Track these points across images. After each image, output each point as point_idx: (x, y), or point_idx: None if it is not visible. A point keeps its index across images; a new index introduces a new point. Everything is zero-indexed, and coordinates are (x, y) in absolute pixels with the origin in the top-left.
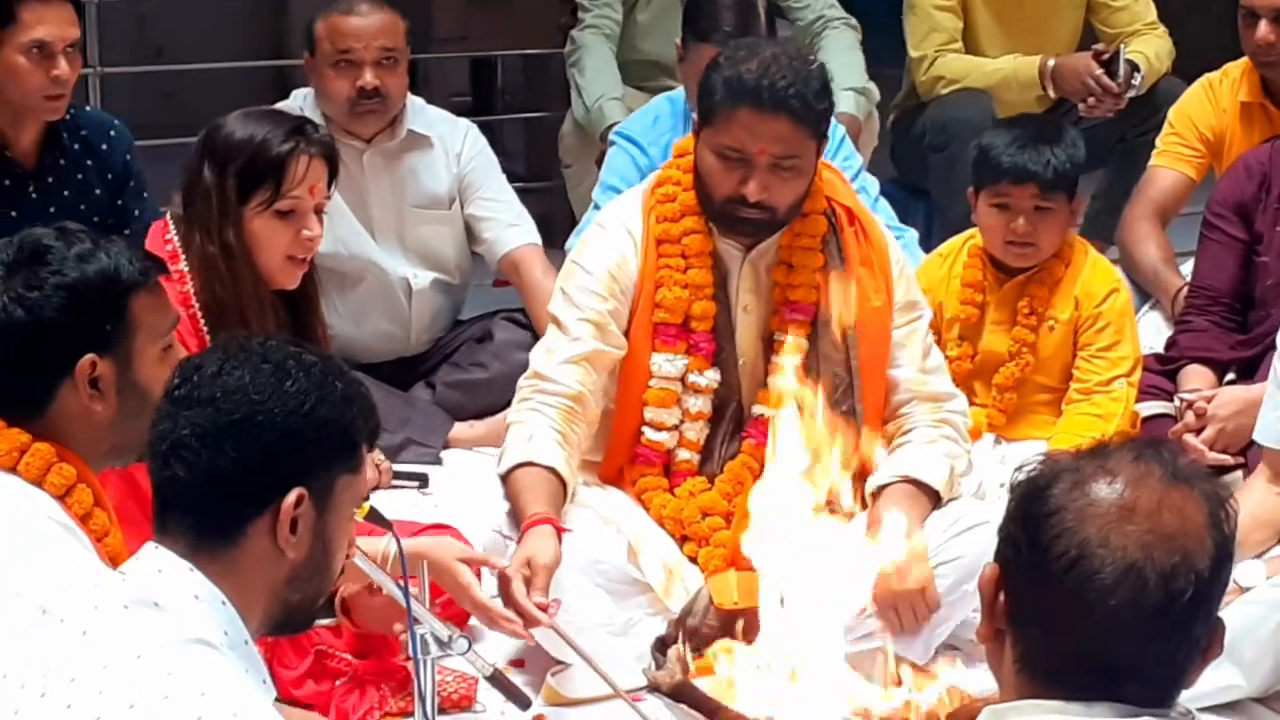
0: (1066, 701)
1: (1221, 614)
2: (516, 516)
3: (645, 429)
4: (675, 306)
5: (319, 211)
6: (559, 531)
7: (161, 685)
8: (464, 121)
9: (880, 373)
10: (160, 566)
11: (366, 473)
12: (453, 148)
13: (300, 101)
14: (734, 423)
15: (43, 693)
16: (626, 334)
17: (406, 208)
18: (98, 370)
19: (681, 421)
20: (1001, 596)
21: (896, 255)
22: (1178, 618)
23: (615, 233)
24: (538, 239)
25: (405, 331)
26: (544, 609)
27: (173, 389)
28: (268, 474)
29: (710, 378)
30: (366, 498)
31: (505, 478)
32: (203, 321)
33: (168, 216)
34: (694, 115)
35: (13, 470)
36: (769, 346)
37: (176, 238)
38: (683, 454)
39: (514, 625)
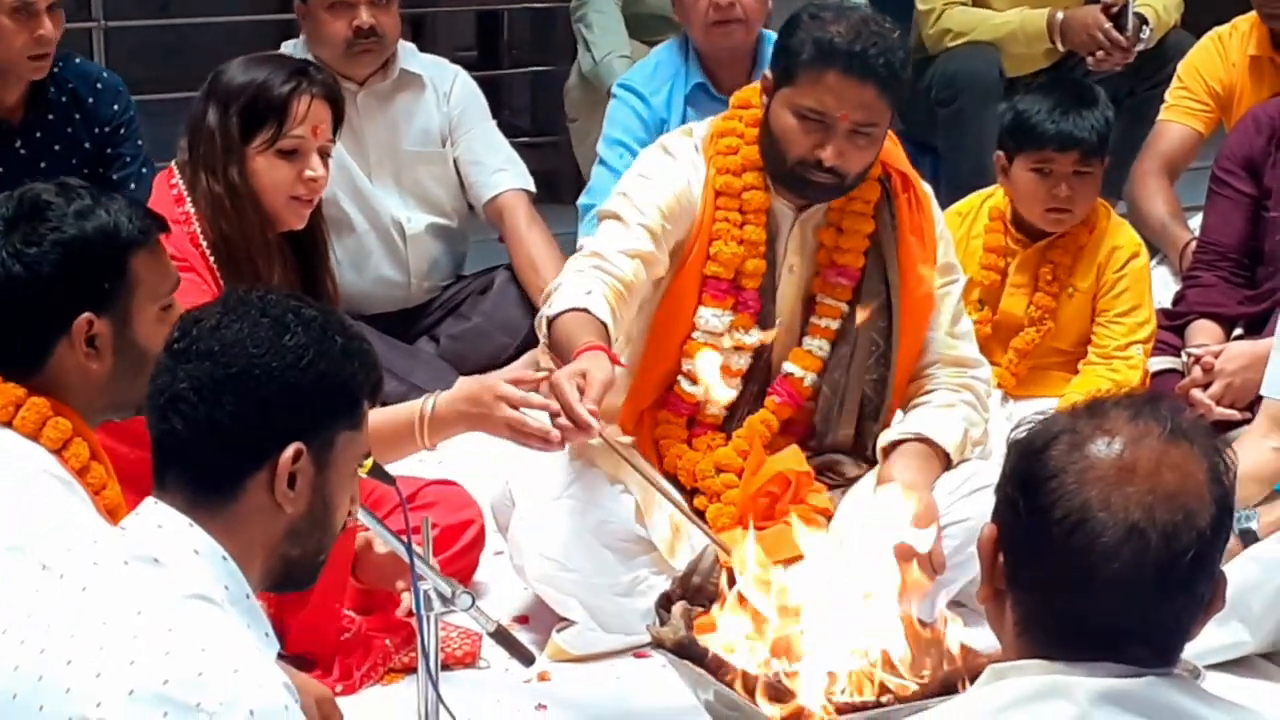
0: (1069, 663)
1: (1226, 570)
2: (567, 348)
3: (681, 379)
4: (729, 262)
5: (323, 154)
6: (614, 360)
7: (162, 641)
8: (454, 66)
9: (918, 341)
10: (160, 522)
11: (367, 429)
12: (442, 88)
13: (291, 50)
14: (761, 381)
15: (42, 649)
16: (673, 278)
17: (401, 149)
18: (95, 329)
19: (718, 374)
20: (1000, 557)
21: (939, 218)
22: (1182, 576)
23: (684, 164)
24: (527, 184)
25: (405, 278)
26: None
27: (172, 342)
28: (265, 428)
29: (756, 336)
30: (369, 453)
31: (555, 319)
32: (210, 253)
33: (173, 164)
34: (766, 72)
35: (9, 424)
36: (808, 308)
37: (182, 181)
38: (712, 409)
39: (541, 437)
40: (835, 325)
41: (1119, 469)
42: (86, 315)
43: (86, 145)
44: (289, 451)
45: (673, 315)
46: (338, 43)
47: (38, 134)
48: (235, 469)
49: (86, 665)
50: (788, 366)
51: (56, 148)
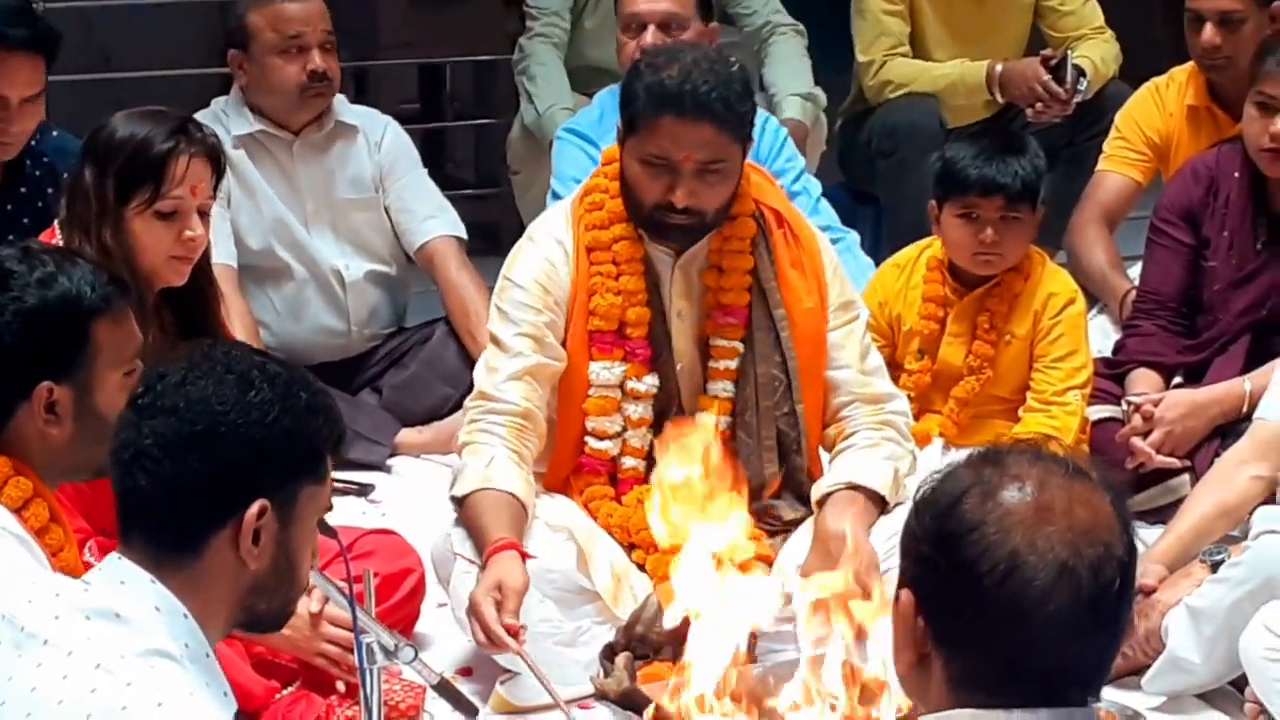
0: (1005, 710)
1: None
2: (478, 540)
3: (588, 438)
4: (609, 314)
5: (202, 212)
6: (523, 556)
7: (120, 695)
8: (385, 117)
9: (818, 373)
10: (123, 578)
11: (330, 483)
12: (373, 137)
13: (219, 109)
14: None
15: (2, 701)
16: (564, 344)
17: (336, 196)
18: (54, 396)
19: (624, 429)
20: (920, 621)
21: (829, 256)
22: (1110, 608)
23: (545, 244)
24: (458, 231)
25: (346, 326)
26: (514, 633)
27: (136, 398)
28: (230, 485)
29: (649, 383)
30: (330, 507)
31: (463, 500)
32: None
33: (55, 223)
34: (618, 124)
35: None
36: (705, 350)
37: (61, 240)
38: (628, 461)
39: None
40: (734, 365)
41: (1037, 510)
42: (46, 384)
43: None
44: (254, 508)
45: (569, 377)
46: (290, 88)
47: (9, 206)
48: (199, 526)
49: (44, 718)
50: (699, 417)
51: (26, 220)
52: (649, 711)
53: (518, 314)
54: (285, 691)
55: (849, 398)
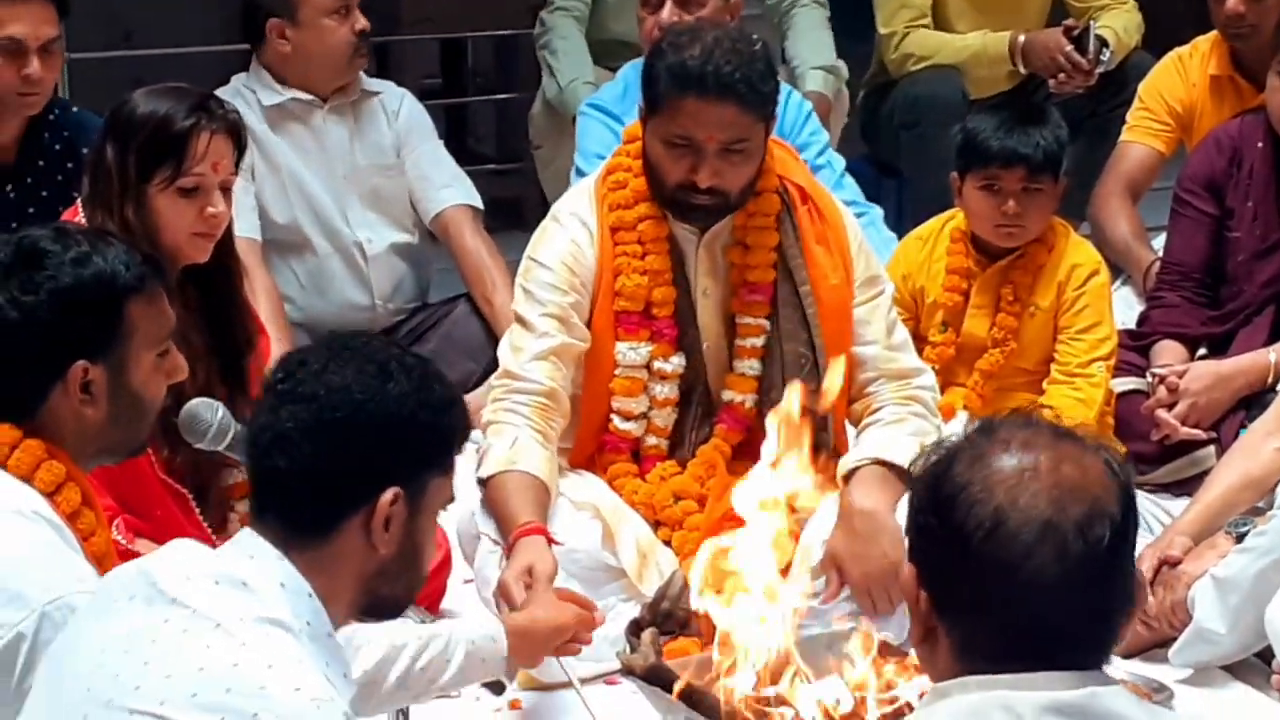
0: (1011, 675)
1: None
2: (503, 522)
3: (613, 417)
4: (635, 294)
5: (225, 188)
6: (550, 541)
7: (233, 654)
8: (401, 89)
9: (844, 349)
10: (252, 552)
11: (453, 476)
12: (391, 106)
13: (241, 84)
14: (702, 406)
15: (126, 649)
16: (589, 324)
17: (359, 164)
18: (90, 375)
19: (649, 409)
20: (924, 595)
21: (854, 231)
22: (1102, 566)
23: (569, 224)
24: (473, 200)
25: (370, 300)
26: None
27: (275, 383)
28: (367, 471)
29: (675, 363)
30: (453, 498)
31: (487, 482)
32: None
33: (78, 201)
34: (640, 103)
35: (2, 465)
36: (731, 328)
37: (84, 218)
38: (651, 440)
39: None
40: (760, 343)
41: (1021, 471)
42: (82, 363)
43: (75, 195)
44: (388, 495)
45: (595, 357)
46: (342, 48)
47: (29, 179)
48: (334, 509)
49: (159, 667)
50: (726, 394)
51: (45, 194)
52: (678, 686)
53: (544, 294)
54: None
55: (875, 373)
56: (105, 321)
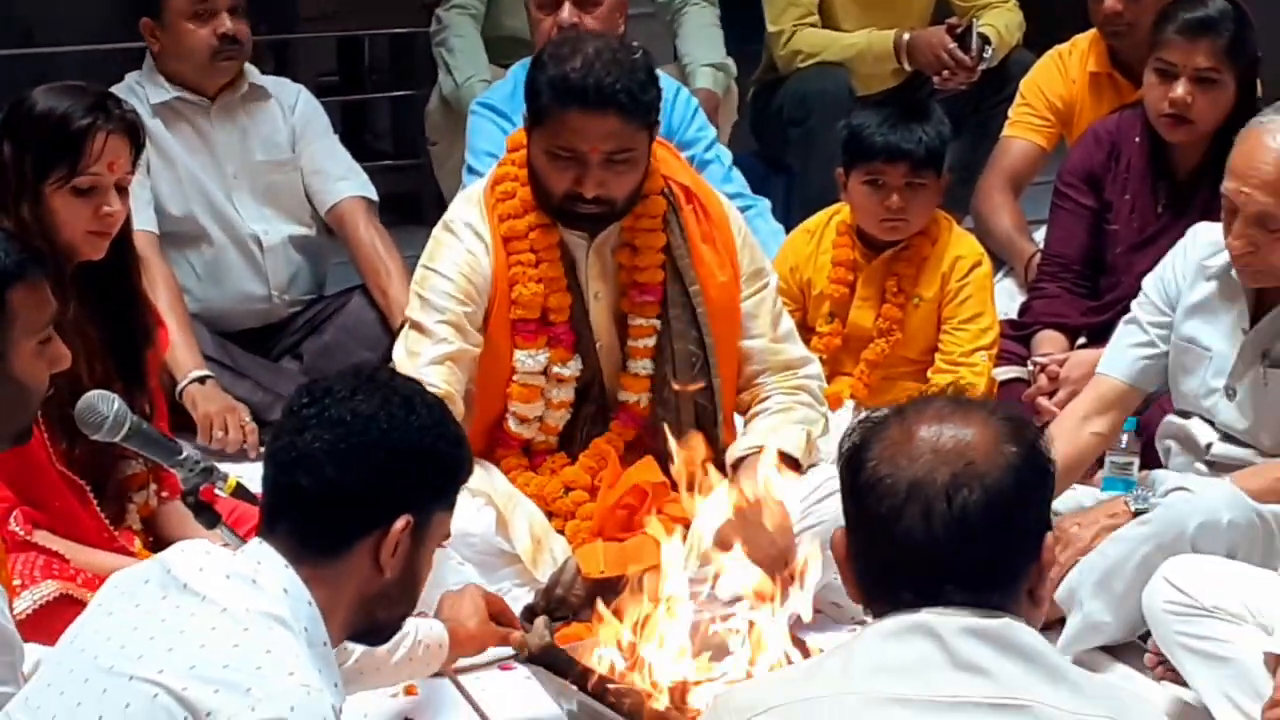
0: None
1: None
2: None
3: (509, 419)
4: (532, 303)
5: (121, 188)
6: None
7: (235, 637)
8: (297, 85)
9: (733, 346)
10: (260, 559)
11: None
12: (286, 101)
13: (133, 81)
14: (597, 404)
15: (135, 626)
16: (485, 331)
17: (254, 159)
18: None
19: (544, 411)
20: (849, 552)
21: (738, 226)
22: (978, 524)
23: (464, 235)
24: (367, 192)
25: (266, 290)
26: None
27: (301, 406)
28: (384, 497)
29: (573, 367)
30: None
31: None
32: None
33: None
34: (525, 119)
35: None
36: (623, 328)
37: None
38: (541, 437)
39: None
40: (651, 343)
41: (904, 437)
42: None
43: None
44: (401, 522)
45: (492, 362)
46: (203, 51)
47: None
48: (348, 530)
49: (163, 642)
50: (622, 395)
51: None
52: (590, 681)
53: (441, 302)
54: None
55: (762, 365)
56: None
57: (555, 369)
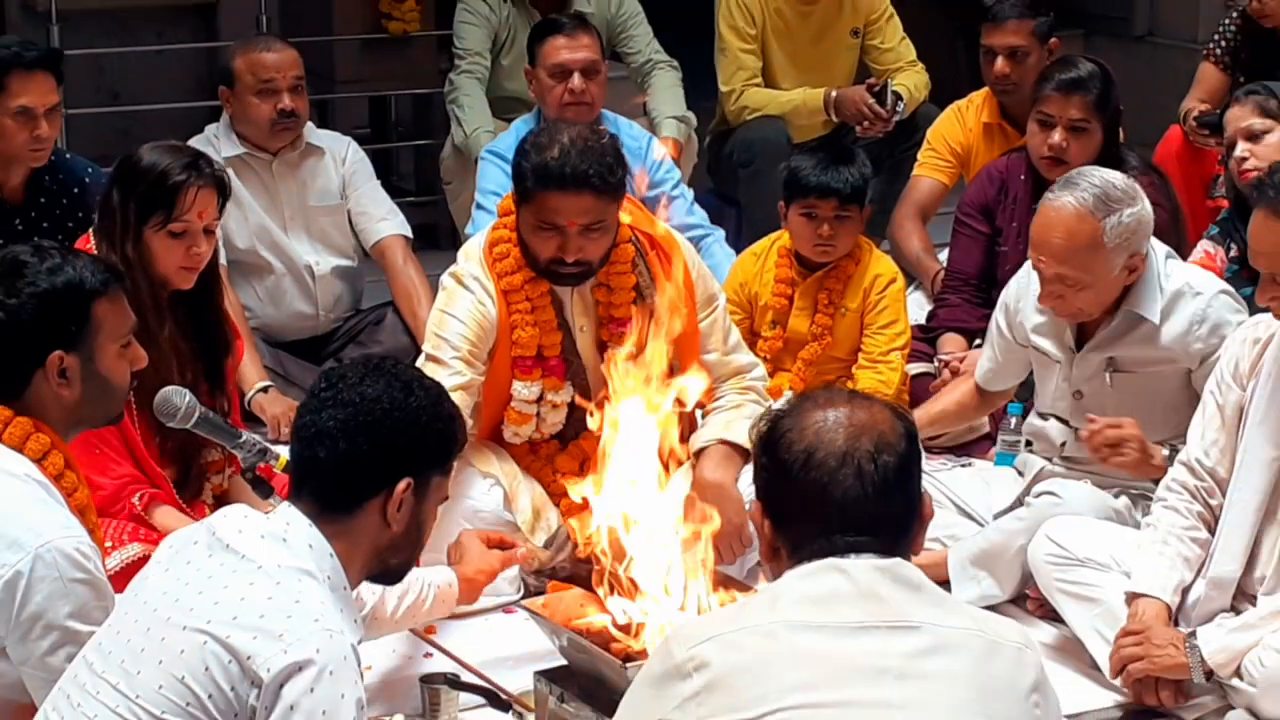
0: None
1: (981, 533)
2: None
3: (505, 433)
4: (529, 343)
5: (209, 231)
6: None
7: (269, 590)
8: (347, 138)
9: (693, 361)
10: (289, 520)
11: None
12: (338, 154)
13: (211, 133)
14: (582, 417)
15: (187, 581)
16: (488, 364)
17: (309, 204)
18: (65, 364)
19: (538, 424)
20: (766, 521)
21: (693, 260)
22: (890, 483)
23: (474, 288)
24: (405, 231)
25: (315, 310)
26: None
27: (320, 390)
28: (388, 464)
29: (564, 395)
30: (446, 497)
31: None
32: None
33: (90, 231)
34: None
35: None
36: (603, 352)
37: (93, 246)
38: (537, 436)
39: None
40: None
41: (824, 415)
42: (58, 353)
43: (71, 225)
44: (403, 484)
45: (495, 388)
46: (264, 122)
47: (33, 214)
48: (360, 492)
49: (210, 596)
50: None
51: (46, 225)
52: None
53: (456, 341)
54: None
55: (716, 374)
56: (76, 319)
57: (549, 396)
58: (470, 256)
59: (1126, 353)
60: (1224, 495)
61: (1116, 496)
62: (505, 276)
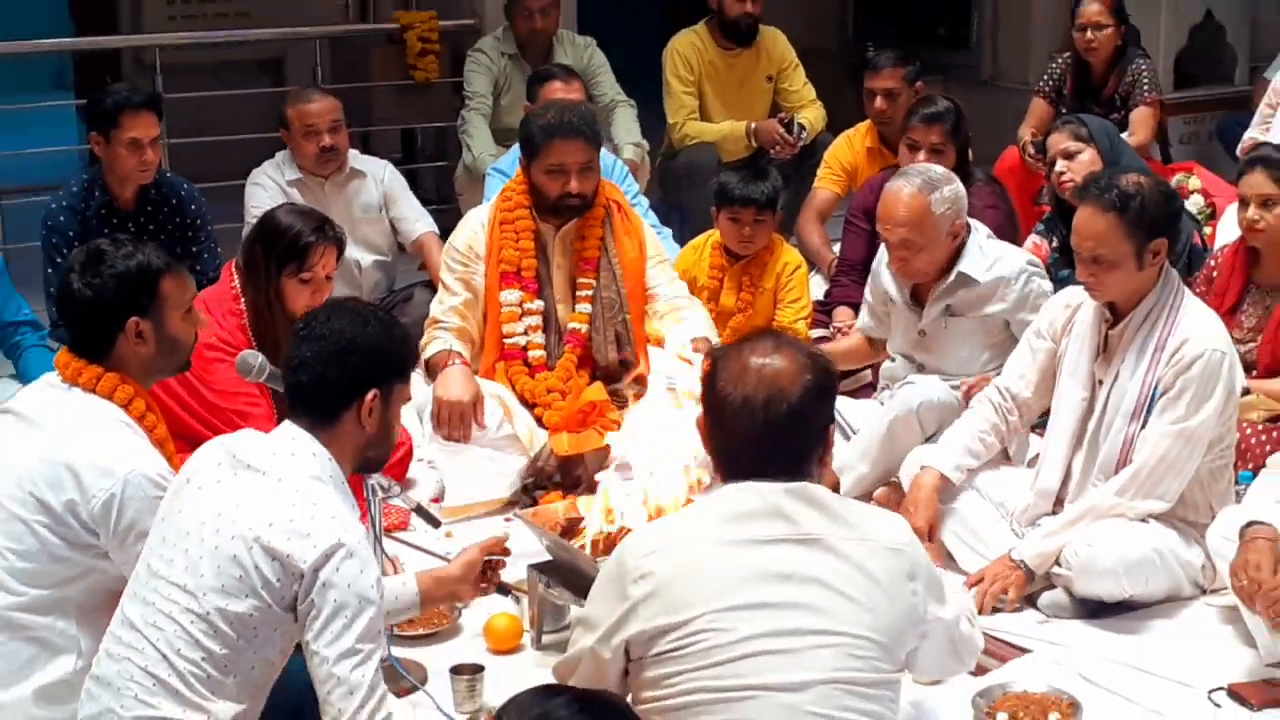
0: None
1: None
2: (438, 365)
3: (504, 335)
4: (512, 260)
5: (329, 277)
6: (467, 366)
7: (291, 497)
8: (384, 161)
9: (640, 296)
10: (293, 435)
11: (410, 383)
12: (377, 175)
13: (280, 160)
14: (558, 333)
15: (222, 496)
16: (485, 280)
17: (355, 216)
18: (140, 328)
19: (525, 332)
20: (709, 441)
21: (648, 230)
22: (784, 424)
23: (471, 223)
24: (434, 227)
25: (359, 293)
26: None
27: (299, 330)
28: (356, 381)
29: (536, 304)
30: (409, 398)
31: (430, 359)
32: (252, 338)
33: (232, 263)
34: (521, 159)
35: (93, 390)
36: (573, 285)
37: (237, 283)
38: (533, 352)
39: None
40: (590, 293)
41: (740, 365)
42: (134, 319)
43: (170, 228)
44: (370, 394)
45: (490, 299)
46: (310, 157)
47: (141, 218)
48: (337, 404)
49: (247, 509)
50: (570, 325)
51: (151, 227)
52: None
53: (456, 267)
54: None
55: (666, 301)
56: (147, 292)
57: (525, 305)
58: (487, 204)
59: (958, 302)
60: (1023, 417)
61: (954, 388)
62: (504, 212)
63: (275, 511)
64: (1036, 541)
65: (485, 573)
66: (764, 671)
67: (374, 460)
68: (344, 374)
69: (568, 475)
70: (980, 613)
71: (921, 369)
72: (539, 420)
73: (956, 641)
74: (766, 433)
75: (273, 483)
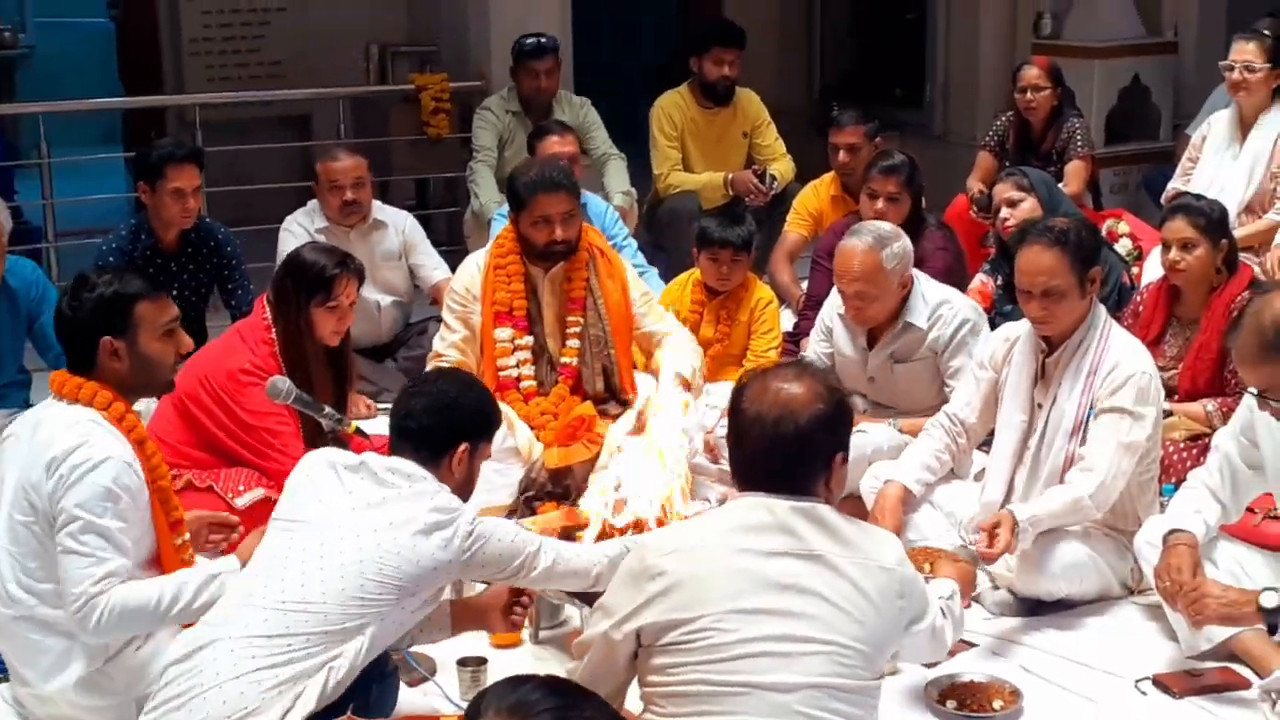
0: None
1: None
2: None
3: (499, 369)
4: (504, 301)
5: (351, 304)
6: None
7: (413, 499)
8: (404, 212)
9: (624, 332)
10: (401, 464)
11: (491, 448)
12: (398, 225)
13: (311, 208)
14: (549, 365)
15: (356, 503)
16: (481, 319)
17: (377, 262)
18: (114, 347)
19: (518, 365)
20: (729, 455)
21: (630, 271)
22: (789, 443)
23: (469, 267)
24: (450, 275)
25: (378, 330)
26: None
27: (410, 387)
28: (452, 435)
29: (526, 340)
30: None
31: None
32: (283, 365)
33: (264, 297)
34: (510, 212)
35: (75, 399)
36: (562, 323)
37: (269, 315)
38: (524, 383)
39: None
40: (578, 330)
41: (762, 386)
42: (108, 338)
43: (208, 267)
44: (462, 447)
45: (486, 337)
46: (335, 209)
47: (182, 259)
48: (440, 450)
49: (375, 511)
50: (562, 359)
51: (191, 267)
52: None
53: (455, 308)
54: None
55: (656, 334)
56: (120, 314)
57: (517, 340)
58: (479, 253)
59: (900, 347)
60: (970, 440)
61: (900, 432)
62: (498, 258)
63: (398, 513)
64: (1032, 516)
65: (513, 606)
66: (759, 671)
67: (461, 495)
68: (444, 428)
69: (558, 485)
70: (1009, 551)
71: (878, 407)
72: (537, 436)
73: (935, 635)
74: (772, 449)
75: (391, 493)
